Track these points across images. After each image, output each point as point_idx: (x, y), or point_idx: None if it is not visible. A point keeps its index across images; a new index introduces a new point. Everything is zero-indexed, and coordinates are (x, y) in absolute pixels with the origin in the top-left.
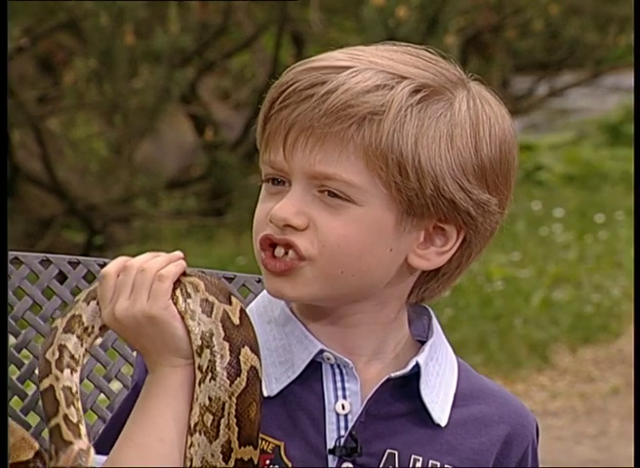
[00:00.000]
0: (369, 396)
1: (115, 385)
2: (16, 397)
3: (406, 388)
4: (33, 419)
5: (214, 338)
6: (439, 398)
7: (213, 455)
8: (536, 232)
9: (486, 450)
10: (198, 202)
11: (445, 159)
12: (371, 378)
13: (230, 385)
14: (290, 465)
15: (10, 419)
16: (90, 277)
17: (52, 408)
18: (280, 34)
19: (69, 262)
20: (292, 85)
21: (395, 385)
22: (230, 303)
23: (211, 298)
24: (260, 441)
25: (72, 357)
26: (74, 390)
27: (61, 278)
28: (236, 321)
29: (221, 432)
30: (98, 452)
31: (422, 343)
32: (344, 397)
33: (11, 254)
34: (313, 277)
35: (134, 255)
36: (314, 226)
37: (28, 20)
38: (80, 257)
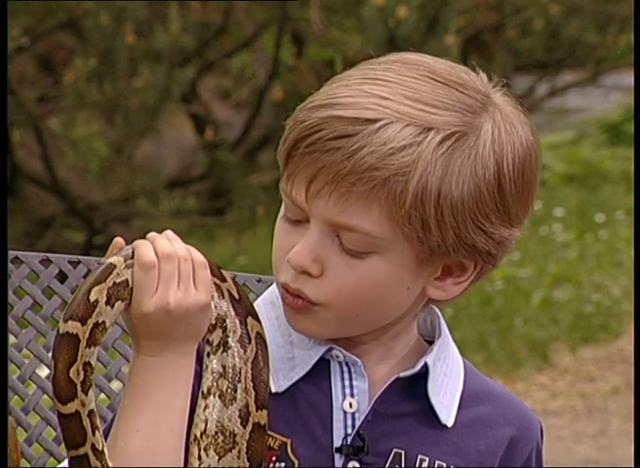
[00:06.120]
0: (377, 395)
1: (115, 385)
2: (16, 397)
3: (413, 388)
4: (33, 419)
5: (227, 319)
6: (446, 398)
7: (230, 419)
8: (536, 232)
9: (491, 452)
10: (198, 201)
11: (467, 205)
12: (378, 378)
13: (244, 353)
14: (296, 462)
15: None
16: None
17: (79, 436)
18: (280, 34)
19: (70, 262)
20: (316, 132)
21: (403, 385)
22: (225, 280)
23: (214, 280)
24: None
25: (93, 372)
26: (95, 411)
27: (62, 277)
28: (236, 295)
29: (239, 396)
30: None
31: (428, 342)
32: (352, 395)
33: (11, 254)
34: (328, 320)
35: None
36: (330, 275)
37: (28, 20)
38: (80, 257)
